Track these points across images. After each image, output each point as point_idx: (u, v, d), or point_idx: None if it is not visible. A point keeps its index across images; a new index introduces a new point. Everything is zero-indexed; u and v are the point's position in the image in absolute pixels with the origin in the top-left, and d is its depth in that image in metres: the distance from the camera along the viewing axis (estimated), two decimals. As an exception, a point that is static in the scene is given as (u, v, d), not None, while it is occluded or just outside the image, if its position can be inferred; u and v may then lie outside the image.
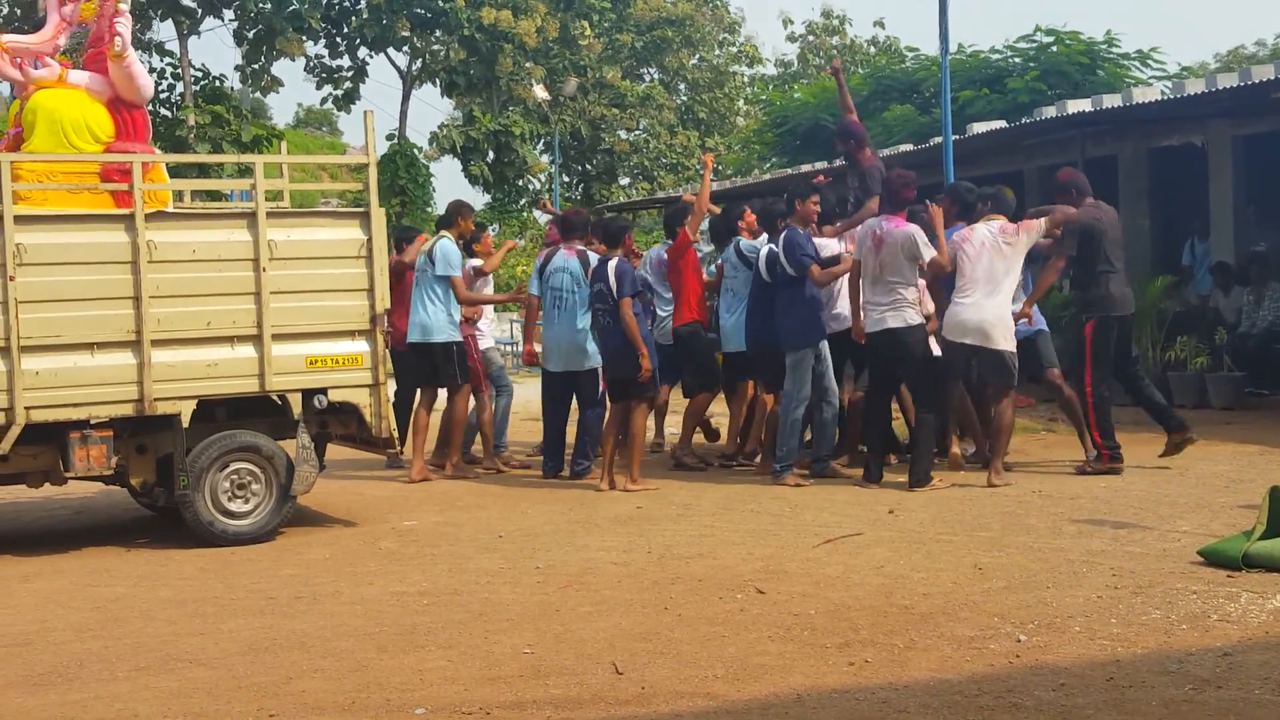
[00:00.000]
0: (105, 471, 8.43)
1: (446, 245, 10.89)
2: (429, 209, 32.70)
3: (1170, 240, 17.14)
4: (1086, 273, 10.20)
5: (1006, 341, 9.68)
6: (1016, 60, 23.23)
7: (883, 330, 9.67)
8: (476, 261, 11.67)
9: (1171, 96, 15.20)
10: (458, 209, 11.36)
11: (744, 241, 10.75)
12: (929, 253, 9.57)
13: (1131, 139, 16.72)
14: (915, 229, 9.61)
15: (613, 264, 10.20)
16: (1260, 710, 4.62)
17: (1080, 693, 4.89)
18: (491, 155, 39.99)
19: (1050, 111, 16.83)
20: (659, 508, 9.26)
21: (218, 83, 32.28)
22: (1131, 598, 6.25)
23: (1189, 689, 4.89)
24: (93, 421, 8.28)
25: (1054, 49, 22.48)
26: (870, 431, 10.28)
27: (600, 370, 10.58)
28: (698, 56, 49.90)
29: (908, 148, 19.15)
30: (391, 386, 9.52)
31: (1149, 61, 22.66)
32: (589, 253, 10.72)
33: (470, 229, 11.49)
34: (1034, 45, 23.06)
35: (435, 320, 10.80)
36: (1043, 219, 9.90)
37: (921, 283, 9.83)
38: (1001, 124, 18.04)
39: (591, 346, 10.53)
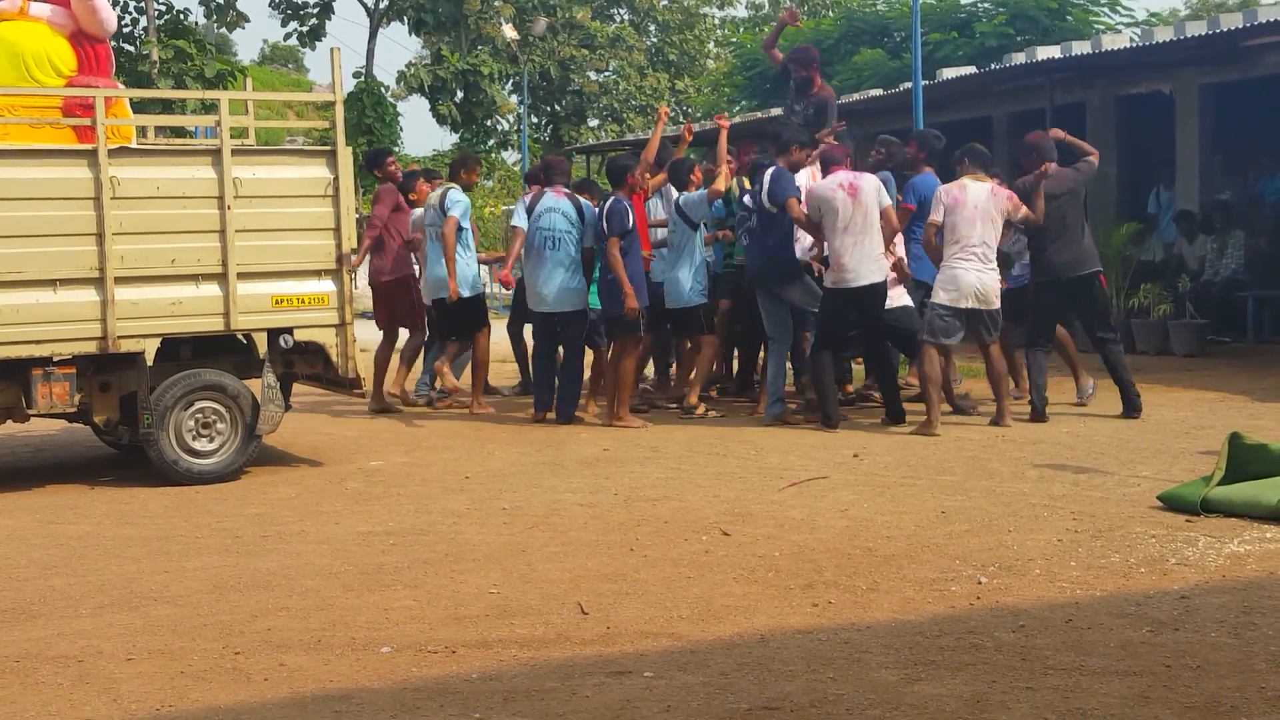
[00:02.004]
0: (68, 409, 8.38)
1: (455, 194, 10.91)
2: (395, 148, 32.47)
3: (1136, 188, 17.19)
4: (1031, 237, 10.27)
5: (998, 299, 9.77)
6: (985, 4, 23.14)
7: (861, 286, 9.68)
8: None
9: (1140, 44, 15.21)
10: (461, 162, 11.52)
11: (685, 196, 10.58)
12: (886, 196, 9.76)
13: (1099, 86, 16.72)
14: (884, 175, 9.70)
15: (609, 202, 10.20)
16: (1216, 652, 4.69)
17: (1040, 634, 4.95)
18: (460, 95, 39.73)
19: (1019, 58, 16.82)
20: (626, 450, 9.29)
21: (181, 17, 31.81)
22: (1091, 541, 6.32)
23: (1146, 631, 4.95)
24: (56, 359, 8.21)
25: (1024, -6, 22.40)
26: (821, 378, 10.30)
27: (587, 313, 10.63)
28: (668, -3, 49.59)
29: (877, 92, 19.10)
30: (361, 328, 9.48)
31: (1117, 8, 22.64)
32: (579, 196, 10.71)
33: (475, 182, 11.54)
34: (1004, -9, 22.96)
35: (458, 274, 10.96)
36: (1025, 211, 9.81)
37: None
38: (971, 70, 18.00)
39: (582, 287, 10.55)
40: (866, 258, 9.64)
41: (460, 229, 10.91)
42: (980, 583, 5.67)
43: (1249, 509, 6.66)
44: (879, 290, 9.75)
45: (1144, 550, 6.13)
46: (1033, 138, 10.40)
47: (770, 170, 10.07)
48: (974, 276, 9.61)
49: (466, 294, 11.08)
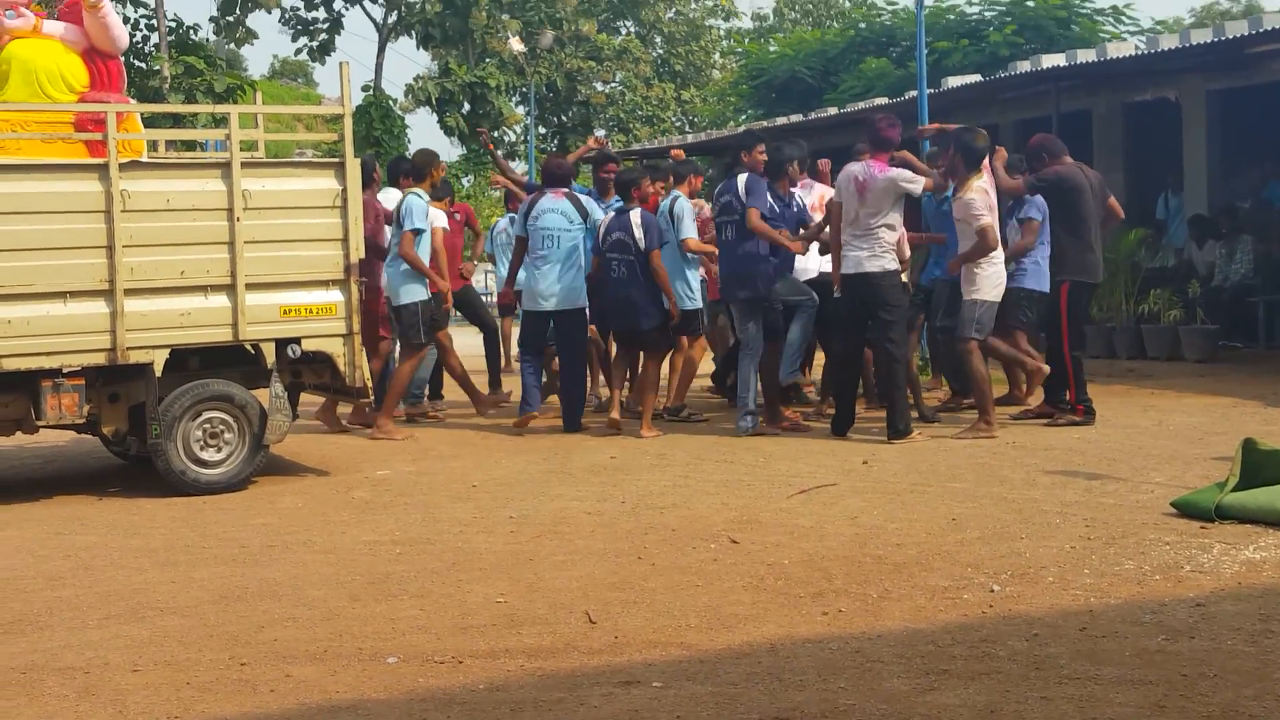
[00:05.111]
0: (77, 420, 8.39)
1: (413, 201, 10.49)
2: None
3: (1144, 194, 17.15)
4: (1065, 233, 10.16)
5: None
6: (992, 14, 23.21)
7: (859, 273, 9.61)
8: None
9: (1146, 51, 15.20)
10: (427, 161, 10.91)
11: (680, 201, 10.66)
12: (918, 186, 9.68)
13: (1105, 94, 16.70)
14: (897, 171, 9.59)
15: (636, 214, 10.31)
16: (1232, 660, 4.65)
17: (1053, 642, 4.91)
18: (467, 107, 39.79)
19: (1025, 66, 16.82)
20: (633, 457, 9.26)
21: (192, 33, 31.86)
22: (1105, 548, 6.27)
23: (1162, 639, 4.91)
24: (65, 370, 8.23)
25: (1030, 3, 22.45)
26: (840, 382, 10.24)
27: (587, 312, 10.65)
28: (674, 10, 49.62)
29: (883, 100, 19.11)
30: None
31: (1122, 18, 22.72)
32: (579, 195, 10.79)
33: (440, 178, 11.23)
34: (1010, 0, 23.01)
35: (395, 280, 10.59)
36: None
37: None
38: (976, 78, 18.01)
39: (581, 286, 10.56)
40: (861, 249, 9.55)
41: (418, 231, 10.46)
42: (993, 591, 5.63)
43: (1264, 515, 6.62)
44: (872, 280, 9.55)
45: (1158, 557, 6.09)
46: (1037, 140, 10.46)
47: (744, 177, 10.03)
48: (1000, 268, 9.82)
49: (405, 302, 10.56)
